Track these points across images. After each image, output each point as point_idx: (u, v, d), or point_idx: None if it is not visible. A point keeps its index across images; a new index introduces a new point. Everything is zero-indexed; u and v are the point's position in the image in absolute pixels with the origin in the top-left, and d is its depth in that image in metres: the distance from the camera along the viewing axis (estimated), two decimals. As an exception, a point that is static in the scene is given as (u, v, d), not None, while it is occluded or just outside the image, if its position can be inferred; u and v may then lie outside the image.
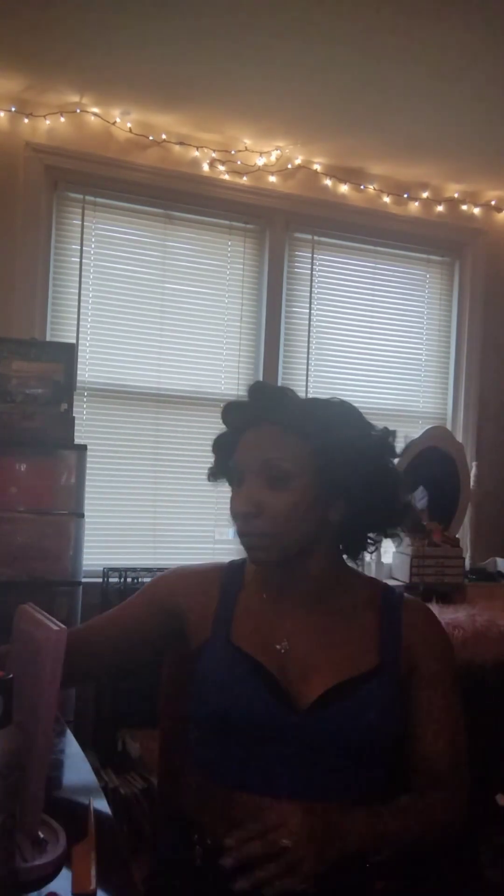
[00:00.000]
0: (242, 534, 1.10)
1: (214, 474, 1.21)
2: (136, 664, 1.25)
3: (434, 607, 2.69)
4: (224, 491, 1.19)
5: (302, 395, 1.19)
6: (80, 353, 2.87)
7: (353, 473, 1.06)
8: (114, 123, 2.91)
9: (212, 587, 1.18)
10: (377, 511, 1.12)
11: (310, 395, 1.23)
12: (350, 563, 1.19)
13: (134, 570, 2.75)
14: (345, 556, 1.18)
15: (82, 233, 2.96)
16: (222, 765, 1.10)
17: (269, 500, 1.07)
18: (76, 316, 2.95)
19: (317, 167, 3.23)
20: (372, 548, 1.17)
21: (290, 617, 1.13)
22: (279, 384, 3.22)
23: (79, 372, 2.80)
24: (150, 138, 2.97)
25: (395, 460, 1.15)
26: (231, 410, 1.17)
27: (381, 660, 1.10)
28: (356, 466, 1.06)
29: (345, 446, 1.06)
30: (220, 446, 1.19)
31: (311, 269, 3.34)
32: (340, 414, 1.11)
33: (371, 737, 1.07)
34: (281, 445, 1.07)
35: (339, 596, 1.15)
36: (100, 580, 2.73)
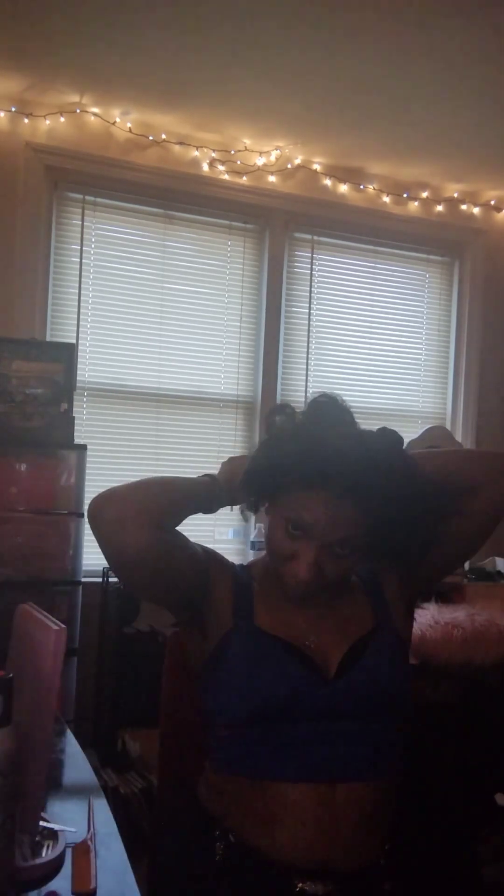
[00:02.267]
0: (290, 584, 1.12)
1: (255, 489, 1.17)
2: (170, 596, 1.18)
3: (433, 607, 2.70)
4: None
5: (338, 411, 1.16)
6: (80, 353, 2.88)
7: (401, 531, 1.12)
8: (114, 123, 2.91)
9: (228, 577, 1.20)
10: (413, 549, 1.19)
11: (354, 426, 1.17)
12: None
13: (134, 569, 2.75)
14: None
15: (82, 233, 2.96)
16: (252, 758, 1.10)
17: (329, 567, 1.11)
18: (76, 316, 2.95)
19: (316, 167, 3.23)
20: None
21: (306, 608, 1.17)
22: (279, 393, 3.23)
23: (79, 372, 2.80)
24: (150, 138, 2.97)
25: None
26: (308, 459, 1.08)
27: (377, 620, 1.20)
28: (405, 525, 1.11)
29: (399, 513, 1.09)
30: (276, 470, 1.12)
31: (311, 269, 3.34)
32: (398, 475, 1.10)
33: (385, 685, 1.14)
34: (355, 526, 1.09)
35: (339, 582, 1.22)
36: (100, 580, 2.73)
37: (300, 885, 1.05)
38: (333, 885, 1.06)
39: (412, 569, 1.24)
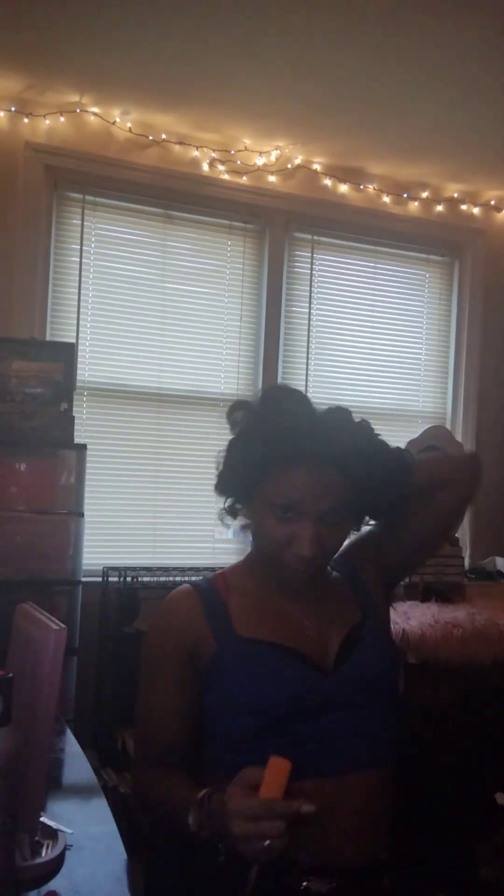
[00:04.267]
0: (297, 569, 1.13)
1: (232, 489, 1.19)
2: None
3: (433, 606, 2.70)
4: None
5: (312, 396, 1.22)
6: (80, 353, 2.88)
7: (380, 498, 1.19)
8: (114, 123, 2.91)
9: (195, 608, 1.18)
10: (392, 516, 1.27)
11: (314, 396, 1.21)
12: None
13: (134, 569, 2.75)
14: None
15: (82, 233, 2.96)
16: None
17: (328, 539, 1.13)
18: (76, 316, 2.95)
19: (316, 167, 3.23)
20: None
21: (288, 602, 1.19)
22: (281, 381, 3.23)
23: (79, 372, 2.80)
24: (150, 138, 2.97)
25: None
26: (281, 438, 1.11)
27: (363, 612, 1.23)
28: (385, 492, 1.18)
29: (380, 480, 1.15)
30: (250, 461, 1.13)
31: (311, 269, 3.34)
32: (372, 444, 1.18)
33: (380, 673, 1.18)
34: (341, 491, 1.12)
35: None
36: (100, 579, 2.73)
37: (305, 882, 1.05)
38: (338, 881, 1.06)
39: (386, 554, 1.29)
